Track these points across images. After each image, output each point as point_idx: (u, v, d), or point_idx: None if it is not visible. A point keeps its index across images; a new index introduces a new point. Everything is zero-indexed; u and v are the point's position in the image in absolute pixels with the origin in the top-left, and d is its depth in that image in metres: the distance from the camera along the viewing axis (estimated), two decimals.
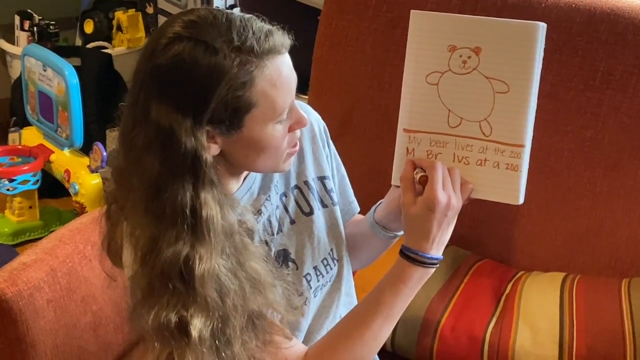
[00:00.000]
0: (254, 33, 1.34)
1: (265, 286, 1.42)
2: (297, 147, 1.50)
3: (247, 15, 1.38)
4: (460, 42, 1.52)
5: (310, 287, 1.62)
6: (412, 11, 1.55)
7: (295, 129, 1.46)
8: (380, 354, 1.67)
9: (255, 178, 1.56)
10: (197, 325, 1.34)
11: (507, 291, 2.20)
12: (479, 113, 1.52)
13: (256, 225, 1.51)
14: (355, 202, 1.79)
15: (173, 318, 1.34)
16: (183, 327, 1.34)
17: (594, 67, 2.28)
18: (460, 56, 1.52)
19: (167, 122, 1.32)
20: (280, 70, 1.37)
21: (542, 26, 1.50)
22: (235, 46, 1.32)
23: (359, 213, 1.80)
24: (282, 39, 1.38)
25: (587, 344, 1.99)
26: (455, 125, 1.54)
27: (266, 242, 1.55)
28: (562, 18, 2.30)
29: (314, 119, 1.68)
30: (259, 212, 1.54)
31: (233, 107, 1.34)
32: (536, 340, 2.02)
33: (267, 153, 1.42)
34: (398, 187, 1.57)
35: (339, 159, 1.74)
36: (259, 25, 1.36)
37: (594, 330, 2.02)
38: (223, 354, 1.37)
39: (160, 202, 1.35)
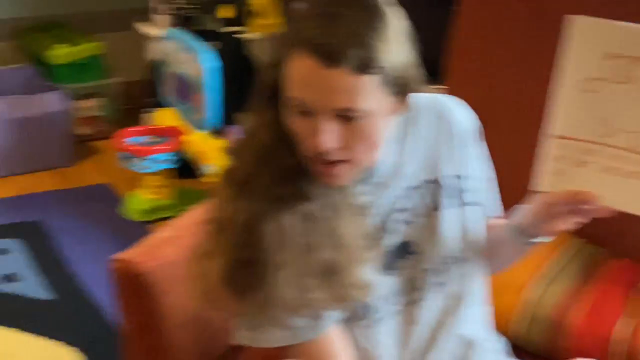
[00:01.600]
0: (314, 27, 1.33)
1: (341, 245, 1.44)
2: (328, 159, 1.42)
3: (343, 15, 1.33)
4: (622, 51, 1.46)
5: (429, 283, 1.61)
6: (573, 16, 1.50)
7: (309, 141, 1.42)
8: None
9: (383, 163, 1.54)
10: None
11: None
12: (635, 125, 1.47)
13: (371, 205, 1.53)
14: (496, 207, 1.74)
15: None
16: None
17: None
18: (621, 65, 1.47)
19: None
20: (300, 71, 1.35)
21: None
22: (291, 29, 1.38)
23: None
24: (336, 55, 1.32)
25: None
26: (608, 135, 1.48)
27: (380, 229, 1.55)
28: None
29: (460, 118, 1.66)
30: (376, 198, 1.54)
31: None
32: None
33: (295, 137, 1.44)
34: (540, 192, 1.53)
35: (488, 161, 1.71)
36: (331, 25, 1.33)
37: None
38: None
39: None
